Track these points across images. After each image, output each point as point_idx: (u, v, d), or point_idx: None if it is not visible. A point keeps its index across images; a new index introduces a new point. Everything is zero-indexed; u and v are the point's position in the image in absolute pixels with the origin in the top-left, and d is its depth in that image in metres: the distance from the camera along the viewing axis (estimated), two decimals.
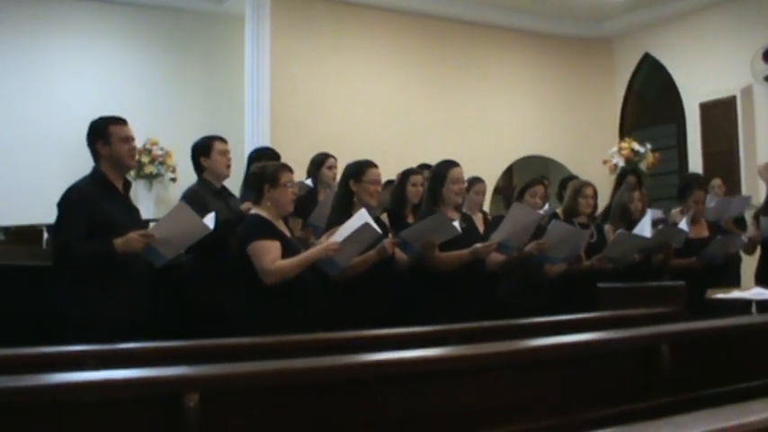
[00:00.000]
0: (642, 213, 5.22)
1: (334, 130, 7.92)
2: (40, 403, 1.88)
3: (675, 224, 5.35)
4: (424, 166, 5.31)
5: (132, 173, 6.81)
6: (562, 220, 5.31)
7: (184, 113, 8.18)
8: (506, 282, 4.78)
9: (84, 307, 3.39)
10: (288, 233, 3.85)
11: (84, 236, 3.42)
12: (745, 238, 5.72)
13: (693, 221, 5.38)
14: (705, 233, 5.50)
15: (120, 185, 3.67)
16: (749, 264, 6.12)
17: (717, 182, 6.79)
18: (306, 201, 4.77)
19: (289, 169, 3.86)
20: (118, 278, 3.46)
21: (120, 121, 3.65)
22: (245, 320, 3.62)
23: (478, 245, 4.30)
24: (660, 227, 5.16)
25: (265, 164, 3.99)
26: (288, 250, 3.68)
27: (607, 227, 5.31)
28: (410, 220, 4.66)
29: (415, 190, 4.77)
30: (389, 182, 5.37)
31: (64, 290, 3.48)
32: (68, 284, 3.47)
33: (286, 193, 3.78)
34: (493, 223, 4.85)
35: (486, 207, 7.06)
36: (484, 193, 5.62)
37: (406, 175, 4.88)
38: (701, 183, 5.82)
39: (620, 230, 5.03)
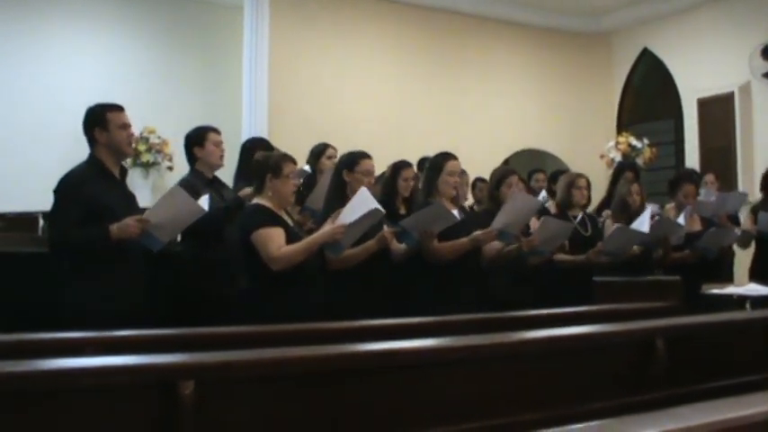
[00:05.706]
0: (641, 207, 5.21)
1: (332, 119, 7.91)
2: (36, 388, 1.88)
3: (670, 219, 5.36)
4: (425, 160, 5.30)
5: (129, 160, 6.78)
6: (556, 213, 5.32)
7: (182, 102, 8.14)
8: (500, 275, 4.77)
9: (80, 293, 3.39)
10: (290, 221, 3.84)
11: (80, 222, 3.40)
12: (738, 231, 5.72)
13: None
14: (698, 226, 5.51)
15: (116, 172, 3.67)
16: (742, 260, 6.14)
17: (710, 177, 6.75)
18: (307, 189, 4.79)
19: (292, 160, 3.83)
20: (114, 265, 3.45)
21: (118, 108, 3.65)
22: (247, 308, 3.62)
23: (478, 232, 4.29)
24: (656, 218, 5.15)
25: (269, 153, 3.96)
26: (291, 238, 3.68)
27: (607, 220, 5.30)
28: (402, 211, 4.66)
29: (406, 184, 4.75)
30: (383, 175, 5.36)
31: (60, 276, 3.47)
32: (64, 271, 3.47)
33: (288, 184, 3.77)
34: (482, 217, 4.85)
35: None
36: (466, 184, 5.76)
37: (397, 168, 4.84)
38: (690, 177, 5.82)
39: (617, 225, 5.01)
